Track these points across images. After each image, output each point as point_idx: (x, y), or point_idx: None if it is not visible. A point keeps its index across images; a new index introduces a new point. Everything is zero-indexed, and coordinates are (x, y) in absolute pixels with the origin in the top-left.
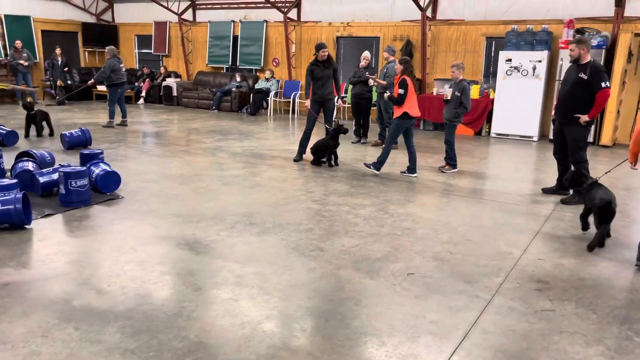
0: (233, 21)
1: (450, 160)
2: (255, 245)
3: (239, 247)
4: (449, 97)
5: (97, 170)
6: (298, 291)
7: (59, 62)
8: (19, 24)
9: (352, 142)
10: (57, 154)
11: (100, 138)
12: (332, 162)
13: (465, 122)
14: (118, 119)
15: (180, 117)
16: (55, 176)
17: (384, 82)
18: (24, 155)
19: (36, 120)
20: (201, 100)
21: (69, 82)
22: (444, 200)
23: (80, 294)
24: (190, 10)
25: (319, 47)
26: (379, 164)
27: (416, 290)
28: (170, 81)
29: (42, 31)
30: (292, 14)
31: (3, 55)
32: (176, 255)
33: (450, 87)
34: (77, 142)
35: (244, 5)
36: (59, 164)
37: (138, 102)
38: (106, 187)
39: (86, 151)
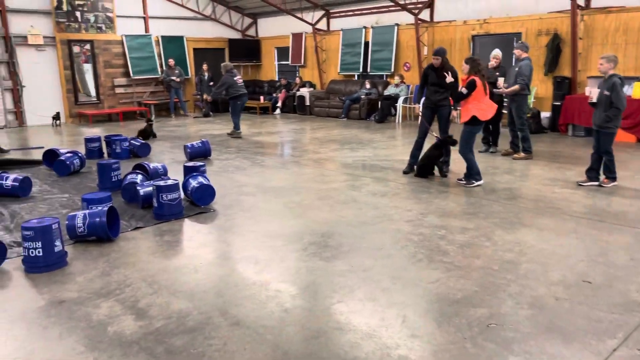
0: (364, 27)
1: (610, 173)
2: (319, 272)
3: (301, 273)
4: (594, 99)
5: (193, 183)
6: (326, 342)
7: (206, 77)
8: (173, 44)
9: (480, 152)
10: (178, 165)
11: (223, 149)
12: (442, 173)
13: (624, 126)
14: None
15: (308, 126)
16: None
17: (509, 89)
18: (138, 167)
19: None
20: (331, 109)
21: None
22: (570, 225)
23: (118, 319)
24: (324, 20)
25: (436, 52)
26: (470, 176)
27: (491, 349)
28: (304, 91)
29: (194, 49)
30: (425, 14)
31: (159, 73)
32: (230, 281)
33: (597, 88)
34: (198, 153)
35: (376, 10)
36: (161, 177)
37: (274, 113)
38: (201, 200)
39: (189, 164)
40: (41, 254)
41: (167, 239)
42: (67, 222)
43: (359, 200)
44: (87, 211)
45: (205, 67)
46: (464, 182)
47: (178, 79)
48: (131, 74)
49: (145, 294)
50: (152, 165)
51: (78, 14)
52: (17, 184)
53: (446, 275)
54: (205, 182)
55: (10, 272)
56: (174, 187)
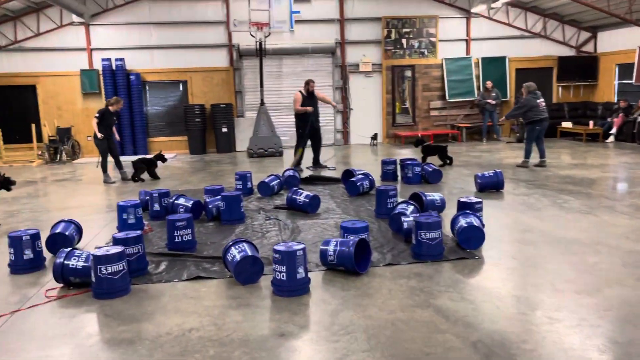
0: None
1: None
2: None
3: None
4: None
5: (462, 222)
6: None
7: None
8: (494, 65)
9: None
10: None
11: (521, 181)
12: None
13: None
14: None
15: None
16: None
17: None
18: (414, 197)
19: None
20: None
21: None
22: None
23: None
24: None
25: None
26: None
27: None
28: None
29: (517, 69)
30: None
31: (475, 95)
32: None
33: None
34: (489, 184)
35: None
36: (429, 212)
37: (606, 140)
38: (466, 243)
39: (464, 198)
40: (285, 278)
41: (413, 284)
42: (321, 246)
43: None
44: (340, 239)
45: (489, 84)
46: None
47: (494, 102)
48: (447, 97)
49: (357, 350)
50: (429, 196)
51: (404, 41)
52: (308, 200)
53: None
54: (475, 223)
55: (264, 290)
56: (434, 225)
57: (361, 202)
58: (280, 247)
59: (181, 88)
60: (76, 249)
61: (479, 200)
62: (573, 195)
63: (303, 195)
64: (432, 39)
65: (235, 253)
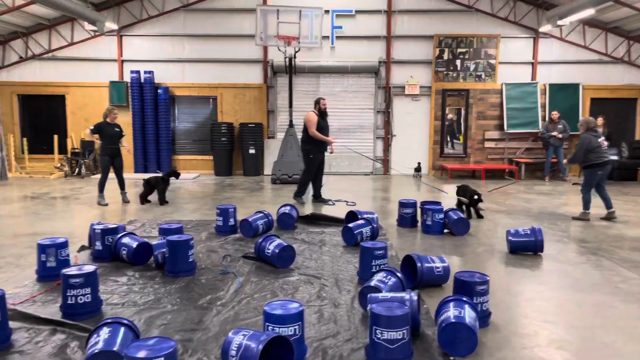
0: None
1: None
2: None
3: None
4: None
5: (449, 313)
6: None
7: (600, 134)
8: (564, 93)
9: None
10: (493, 261)
11: (571, 241)
12: None
13: None
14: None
15: None
16: None
17: None
18: (407, 261)
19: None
20: None
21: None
22: None
23: None
24: None
25: None
26: None
27: None
28: None
29: (592, 99)
30: None
31: (539, 127)
32: None
33: None
34: (524, 246)
35: None
36: (403, 294)
37: None
38: (449, 346)
39: (463, 275)
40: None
41: None
42: (227, 338)
43: None
44: (253, 331)
45: (600, 120)
46: None
47: (560, 135)
48: (505, 127)
49: None
50: (428, 261)
51: (458, 62)
52: (277, 251)
53: None
54: (466, 319)
55: None
56: (397, 321)
57: (354, 256)
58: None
59: (211, 104)
60: None
61: (484, 278)
62: (637, 270)
63: (274, 244)
64: (491, 61)
65: None
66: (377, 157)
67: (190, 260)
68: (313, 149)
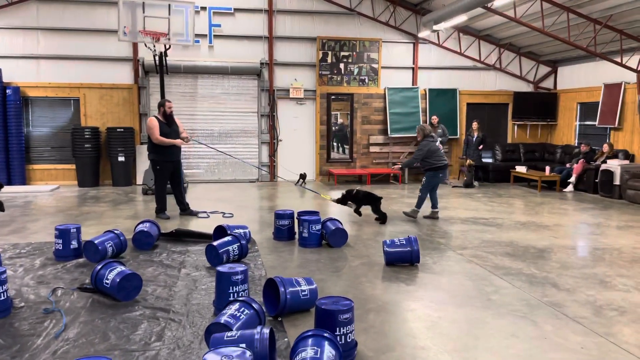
0: None
1: None
2: None
3: None
4: None
5: (305, 354)
6: None
7: (474, 138)
8: (443, 98)
9: None
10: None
11: (447, 248)
12: None
13: None
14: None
15: (613, 219)
16: None
17: None
18: (270, 285)
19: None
20: None
21: (483, 160)
22: None
23: None
24: None
25: None
26: None
27: None
28: (613, 164)
29: (468, 104)
30: None
31: None
32: None
33: None
34: (400, 257)
35: None
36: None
37: (564, 190)
38: None
39: (328, 303)
40: None
41: None
42: None
43: None
44: None
45: (475, 125)
46: None
47: (439, 139)
48: (389, 132)
49: None
50: (292, 283)
51: (342, 65)
52: (117, 281)
53: None
54: None
55: None
56: None
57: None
58: None
59: (72, 107)
60: None
61: (348, 305)
62: (510, 277)
63: (114, 272)
64: (374, 65)
65: None
66: (263, 163)
67: (1, 298)
68: (159, 158)
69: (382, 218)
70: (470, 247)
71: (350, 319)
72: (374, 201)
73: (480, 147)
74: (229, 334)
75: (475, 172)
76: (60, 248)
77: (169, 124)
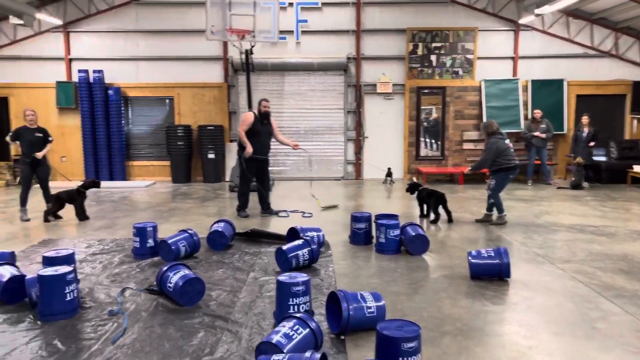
0: None
1: None
2: None
3: None
4: None
5: None
6: None
7: (584, 134)
8: (547, 89)
9: None
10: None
11: (544, 260)
12: None
13: None
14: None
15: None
16: None
17: None
18: (333, 298)
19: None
20: None
21: (594, 158)
22: None
23: None
24: None
25: None
26: None
27: None
28: None
29: (577, 96)
30: None
31: (521, 126)
32: None
33: None
34: (487, 270)
35: None
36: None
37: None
38: None
39: (386, 328)
40: None
41: None
42: None
43: None
44: None
45: (585, 119)
46: None
47: (543, 135)
48: None
49: None
50: (356, 300)
51: (433, 57)
52: (180, 285)
53: None
54: None
55: None
56: None
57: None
58: None
59: (167, 106)
60: None
61: (414, 332)
62: (622, 300)
63: (177, 276)
64: (469, 56)
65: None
66: (349, 160)
67: (68, 299)
68: (243, 153)
69: (448, 216)
70: (574, 260)
71: (416, 348)
72: (438, 197)
73: (591, 143)
74: (276, 357)
75: (585, 172)
76: (138, 246)
77: (263, 123)
